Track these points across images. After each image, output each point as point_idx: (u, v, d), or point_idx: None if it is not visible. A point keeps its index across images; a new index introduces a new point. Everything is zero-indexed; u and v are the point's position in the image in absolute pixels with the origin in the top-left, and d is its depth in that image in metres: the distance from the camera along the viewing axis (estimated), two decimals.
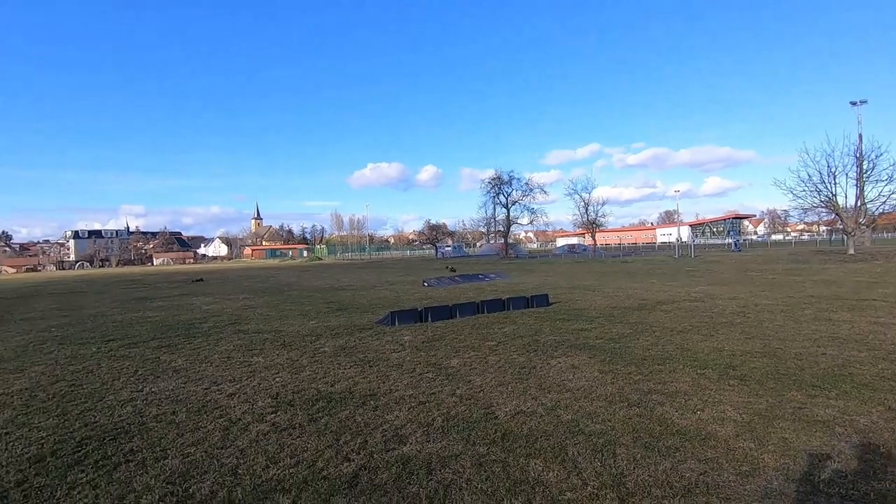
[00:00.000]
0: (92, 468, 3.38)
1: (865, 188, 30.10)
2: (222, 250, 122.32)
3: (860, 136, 31.54)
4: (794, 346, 6.33)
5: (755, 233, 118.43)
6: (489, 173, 54.14)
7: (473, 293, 14.51)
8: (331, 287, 19.09)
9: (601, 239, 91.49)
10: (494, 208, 53.81)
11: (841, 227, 31.80)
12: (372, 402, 4.61)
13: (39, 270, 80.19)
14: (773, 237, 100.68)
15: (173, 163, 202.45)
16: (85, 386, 5.56)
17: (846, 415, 3.87)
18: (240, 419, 4.28)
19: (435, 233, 74.53)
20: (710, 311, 9.54)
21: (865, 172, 28.92)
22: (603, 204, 48.92)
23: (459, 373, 5.58)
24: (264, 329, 9.11)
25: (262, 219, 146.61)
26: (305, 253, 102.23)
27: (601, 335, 7.39)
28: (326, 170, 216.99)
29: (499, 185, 51.73)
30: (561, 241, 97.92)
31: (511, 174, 51.92)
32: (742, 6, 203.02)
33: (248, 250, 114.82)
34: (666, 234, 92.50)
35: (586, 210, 48.04)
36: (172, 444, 3.75)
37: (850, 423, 3.72)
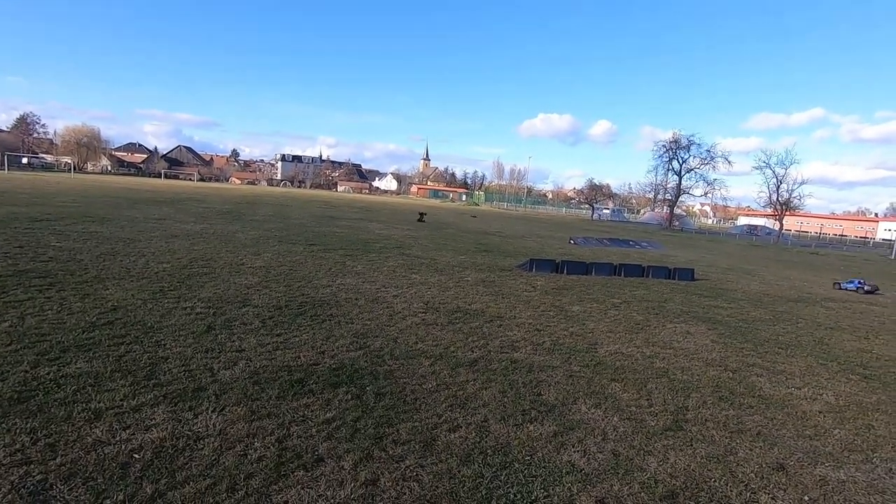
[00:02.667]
0: (309, 318, 5.12)
1: None
2: (392, 185, 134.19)
3: None
4: None
5: None
6: (670, 134, 49.36)
7: (618, 257, 14.56)
8: (482, 231, 20.61)
9: (798, 224, 77.86)
10: (667, 174, 49.61)
11: None
12: (497, 322, 5.72)
13: (256, 184, 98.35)
14: None
15: (363, 99, 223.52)
16: (299, 271, 7.70)
17: None
18: (399, 312, 5.76)
19: (595, 193, 71.55)
20: (887, 317, 8.49)
21: None
22: (802, 183, 41.55)
23: (578, 316, 6.35)
24: (422, 255, 10.82)
25: (430, 160, 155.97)
26: (464, 197, 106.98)
27: (734, 314, 7.36)
28: (498, 117, 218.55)
29: (674, 150, 47.30)
30: (743, 220, 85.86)
31: (690, 138, 47.00)
32: None
33: (414, 188, 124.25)
34: (894, 230, 74.64)
35: (777, 188, 41.40)
36: (357, 317, 5.36)
37: None
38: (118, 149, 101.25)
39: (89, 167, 76.35)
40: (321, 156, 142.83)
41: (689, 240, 31.53)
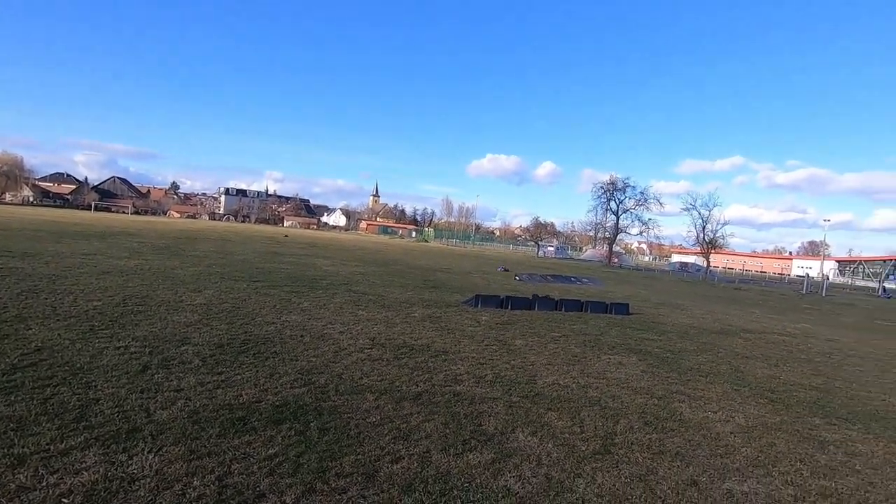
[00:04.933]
0: (252, 356, 5.07)
1: None
2: (341, 221, 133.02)
3: None
4: (857, 388, 6.38)
5: None
6: (608, 177, 52.64)
7: (560, 292, 15.18)
8: (430, 268, 20.87)
9: (724, 262, 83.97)
10: (605, 214, 52.49)
11: None
12: (442, 356, 5.87)
13: (197, 218, 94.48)
14: None
15: (312, 136, 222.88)
16: (242, 308, 7.55)
17: (849, 441, 4.29)
18: (346, 348, 5.79)
19: (540, 231, 74.27)
20: (795, 346, 9.38)
21: None
22: (724, 224, 45.26)
23: (520, 350, 6.62)
24: (370, 292, 10.86)
25: (379, 196, 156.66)
26: (414, 234, 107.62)
27: (663, 346, 7.91)
28: (447, 156, 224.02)
29: (612, 191, 50.32)
30: (676, 258, 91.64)
31: (626, 181, 50.26)
32: None
33: (363, 224, 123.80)
34: (805, 267, 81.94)
35: (703, 228, 44.84)
36: (302, 354, 5.35)
37: (851, 448, 4.15)
38: (43, 178, 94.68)
39: (8, 198, 70.87)
40: (267, 190, 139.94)
41: (626, 276, 33.25)
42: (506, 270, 23.58)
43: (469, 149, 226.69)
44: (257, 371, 4.60)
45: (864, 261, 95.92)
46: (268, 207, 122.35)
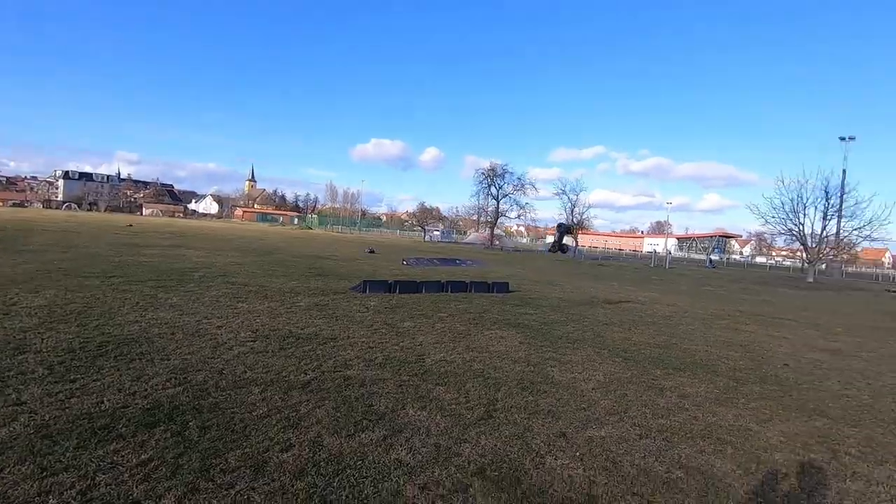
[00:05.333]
0: (113, 359, 4.55)
1: (834, 223, 31.79)
2: (213, 208, 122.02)
3: (844, 171, 33.17)
4: (690, 343, 7.64)
5: (741, 253, 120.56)
6: (488, 163, 55.21)
7: (446, 275, 15.71)
8: (315, 255, 20.20)
9: (588, 241, 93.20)
10: (487, 199, 55.01)
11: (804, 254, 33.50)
12: (331, 343, 5.82)
13: (26, 206, 79.81)
14: (758, 259, 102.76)
15: (173, 113, 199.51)
16: (96, 308, 6.68)
17: (681, 386, 5.18)
18: (225, 342, 5.45)
19: (426, 216, 75.56)
20: (644, 312, 10.87)
21: (833, 207, 30.54)
22: (588, 207, 50.29)
23: (408, 332, 6.80)
24: (250, 283, 10.24)
25: (256, 181, 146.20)
26: (296, 220, 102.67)
27: (538, 319, 8.67)
28: (328, 139, 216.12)
29: (492, 177, 52.82)
30: (550, 239, 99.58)
31: (504, 167, 53.05)
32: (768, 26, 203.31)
33: (239, 211, 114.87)
34: (653, 244, 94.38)
35: (572, 211, 49.36)
36: (174, 352, 4.93)
37: (681, 390, 5.02)
38: None
39: None
40: (119, 174, 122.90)
41: (507, 257, 35.41)
42: (371, 252, 24.26)
43: (353, 132, 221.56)
44: (121, 375, 4.16)
45: (697, 237, 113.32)
46: (121, 194, 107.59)
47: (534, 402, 4.31)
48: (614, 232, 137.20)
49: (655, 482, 3.05)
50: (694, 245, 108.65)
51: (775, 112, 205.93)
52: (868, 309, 17.06)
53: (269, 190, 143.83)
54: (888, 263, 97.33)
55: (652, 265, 39.63)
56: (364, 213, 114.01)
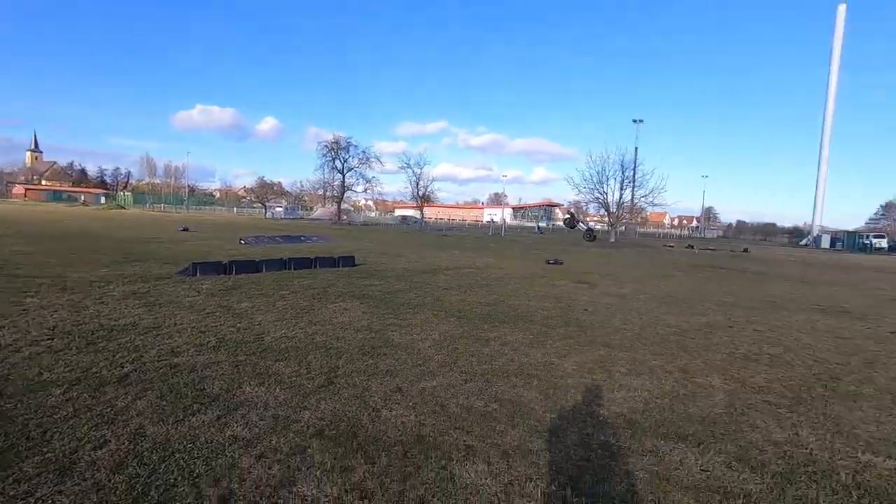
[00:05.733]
0: None
1: (629, 191, 38.28)
2: None
3: (636, 148, 39.87)
4: (515, 300, 8.71)
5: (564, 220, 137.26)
6: (332, 136, 53.26)
7: (290, 252, 15.11)
8: (131, 238, 17.61)
9: (433, 213, 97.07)
10: (333, 173, 53.43)
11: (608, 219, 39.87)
12: (154, 332, 5.31)
13: None
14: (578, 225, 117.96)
15: None
16: None
17: (504, 336, 5.96)
18: (9, 345, 4.61)
19: (266, 191, 70.52)
20: (480, 276, 11.96)
21: (628, 179, 36.79)
22: (432, 180, 52.33)
23: (246, 312, 6.51)
24: (41, 274, 8.59)
25: (41, 151, 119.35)
26: (104, 199, 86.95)
27: (382, 289, 8.98)
28: (142, 104, 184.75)
29: (336, 150, 51.40)
30: (398, 212, 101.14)
31: (349, 140, 52.00)
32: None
33: (19, 189, 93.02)
34: (492, 215, 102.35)
35: (417, 184, 50.86)
36: None
37: (503, 339, 5.78)
38: None
39: None
40: None
41: (355, 232, 35.19)
42: (185, 230, 22.77)
43: (173, 98, 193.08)
44: None
45: (528, 207, 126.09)
46: None
47: (374, 365, 4.58)
48: (458, 204, 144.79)
49: (475, 416, 3.56)
50: (526, 214, 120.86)
51: (586, 95, 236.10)
52: (650, 261, 21.18)
53: (63, 163, 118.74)
54: (668, 224, 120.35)
55: (490, 234, 43.15)
56: (193, 190, 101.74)
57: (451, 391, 4.02)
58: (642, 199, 39.04)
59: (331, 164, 52.41)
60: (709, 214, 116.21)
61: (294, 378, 4.12)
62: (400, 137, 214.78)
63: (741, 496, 2.68)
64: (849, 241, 54.98)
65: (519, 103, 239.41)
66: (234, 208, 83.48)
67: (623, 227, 48.43)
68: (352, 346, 5.19)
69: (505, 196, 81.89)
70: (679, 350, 5.78)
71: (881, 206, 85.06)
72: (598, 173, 37.56)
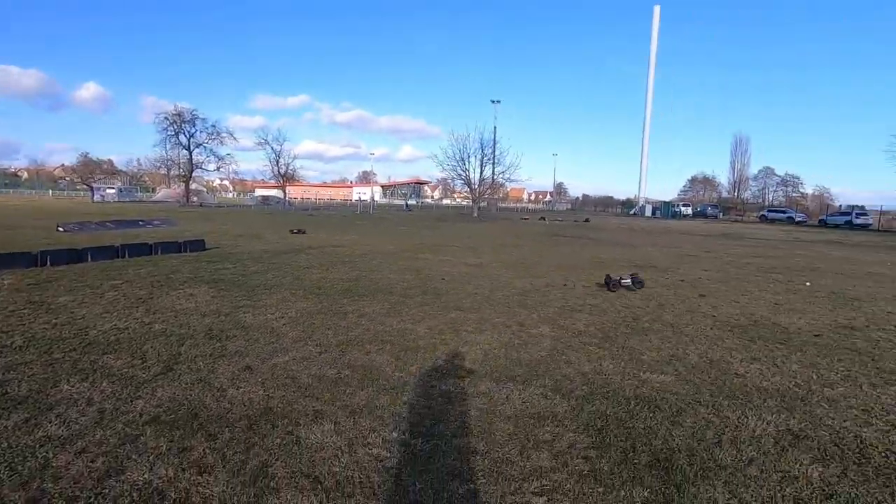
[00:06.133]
0: None
1: (489, 168, 40.61)
2: None
3: (495, 128, 42.19)
4: (377, 274, 8.88)
5: (432, 196, 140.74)
6: (174, 107, 46.96)
7: (125, 238, 13.33)
8: None
9: (300, 192, 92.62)
10: (177, 150, 47.65)
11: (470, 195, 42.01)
12: None
13: None
14: (445, 201, 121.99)
15: None
16: None
17: (362, 308, 6.12)
18: None
19: (93, 170, 60.42)
20: (343, 253, 11.88)
21: (487, 157, 39.02)
22: (294, 158, 49.70)
23: (65, 307, 5.70)
24: None
25: None
26: None
27: (235, 272, 8.48)
28: None
29: (179, 123, 45.85)
30: (259, 192, 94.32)
31: (194, 113, 46.72)
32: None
33: None
34: (361, 193, 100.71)
35: (277, 162, 47.92)
36: None
37: (361, 311, 5.93)
38: None
39: None
40: None
41: (208, 213, 32.11)
42: (64, 231, 18.56)
43: None
44: None
45: (397, 185, 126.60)
46: None
47: (221, 348, 4.40)
48: (325, 183, 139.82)
49: (326, 383, 3.67)
50: (396, 192, 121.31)
51: (447, 74, 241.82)
52: (506, 233, 22.96)
53: None
54: (526, 199, 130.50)
55: (359, 212, 42.64)
56: None
57: (303, 364, 4.07)
58: (501, 175, 41.85)
59: (174, 139, 46.69)
60: (560, 189, 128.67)
61: (126, 370, 3.79)
62: (257, 112, 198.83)
63: (550, 417, 3.22)
64: (664, 210, 65.40)
65: (383, 78, 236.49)
66: (50, 191, 70.06)
67: (485, 203, 51.39)
68: (197, 331, 4.89)
69: (374, 174, 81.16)
70: (520, 308, 6.51)
71: (688, 179, 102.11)
72: (460, 151, 39.22)
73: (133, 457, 2.58)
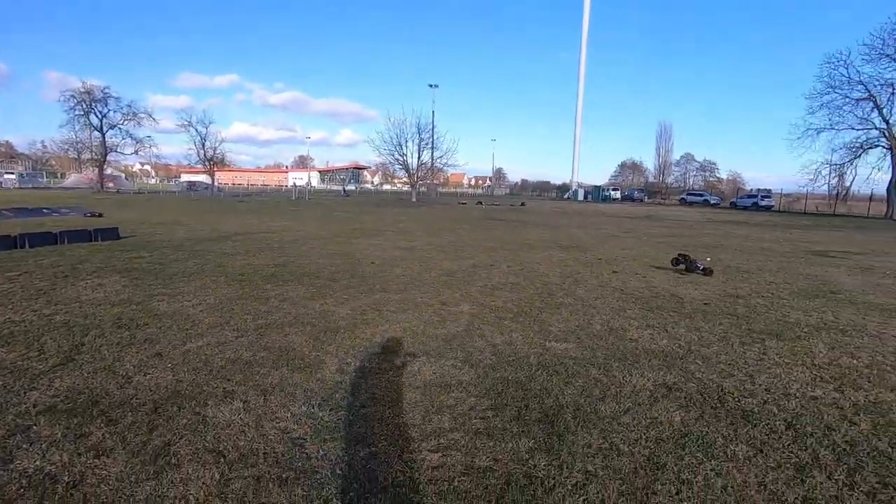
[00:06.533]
0: None
1: (427, 153, 40.59)
2: None
3: (433, 112, 42.08)
4: (306, 260, 8.78)
5: (372, 182, 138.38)
6: (82, 84, 42.67)
7: (26, 228, 12.22)
8: None
9: (230, 178, 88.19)
10: (88, 131, 43.67)
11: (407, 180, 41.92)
12: None
13: None
14: (385, 186, 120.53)
15: None
16: None
17: (285, 292, 6.08)
18: None
19: None
20: (273, 239, 11.59)
21: (425, 141, 38.98)
22: (222, 141, 47.14)
23: None
24: None
25: None
26: None
27: (152, 261, 8.09)
28: None
29: (89, 102, 42.01)
30: (185, 177, 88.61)
31: (106, 91, 42.93)
32: None
33: None
34: (298, 178, 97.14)
35: (203, 146, 45.25)
36: None
37: (284, 296, 5.90)
38: None
39: None
40: None
41: (125, 200, 29.90)
42: None
43: None
44: None
45: (335, 170, 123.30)
46: None
47: (129, 336, 4.27)
48: (259, 168, 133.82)
49: (239, 365, 3.69)
50: (334, 177, 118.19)
51: (385, 55, 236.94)
52: (442, 217, 23.21)
53: None
54: (466, 184, 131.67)
55: (294, 198, 41.32)
56: None
57: (218, 348, 4.04)
58: (438, 159, 42.02)
59: (83, 119, 42.72)
60: (499, 174, 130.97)
61: (20, 362, 3.61)
62: (181, 91, 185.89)
63: (456, 385, 3.45)
64: (595, 194, 68.41)
65: (319, 58, 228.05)
66: None
67: (425, 188, 51.45)
68: (104, 321, 4.69)
69: (311, 159, 78.71)
70: (444, 288, 6.73)
71: (618, 165, 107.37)
72: (397, 135, 38.89)
73: (24, 446, 2.51)
